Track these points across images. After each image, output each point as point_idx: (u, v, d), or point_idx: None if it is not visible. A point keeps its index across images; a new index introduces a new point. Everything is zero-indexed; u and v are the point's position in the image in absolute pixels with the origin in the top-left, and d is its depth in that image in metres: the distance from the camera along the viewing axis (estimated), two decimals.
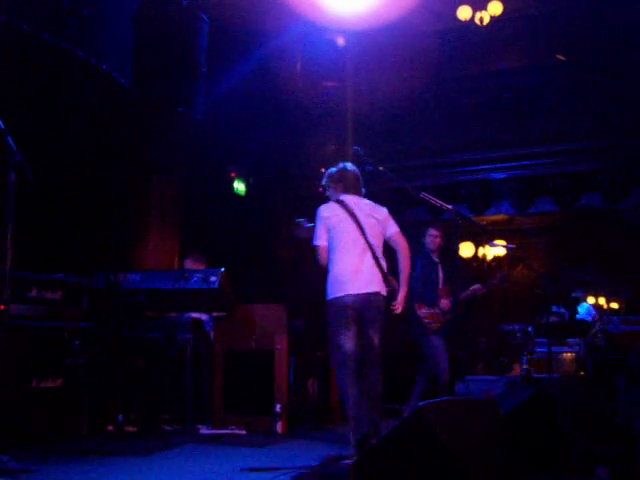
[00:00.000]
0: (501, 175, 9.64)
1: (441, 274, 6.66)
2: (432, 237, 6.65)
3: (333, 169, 5.31)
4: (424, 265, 6.66)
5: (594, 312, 9.41)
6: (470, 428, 3.11)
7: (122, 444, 5.24)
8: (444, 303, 6.50)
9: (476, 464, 3.00)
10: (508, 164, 9.42)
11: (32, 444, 4.85)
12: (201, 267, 6.63)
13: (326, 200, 5.17)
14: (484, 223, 10.23)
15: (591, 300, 9.82)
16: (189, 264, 6.86)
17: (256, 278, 8.16)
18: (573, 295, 9.51)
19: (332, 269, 5.04)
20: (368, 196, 5.19)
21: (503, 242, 8.13)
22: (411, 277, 6.85)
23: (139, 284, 6.14)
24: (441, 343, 6.41)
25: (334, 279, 5.03)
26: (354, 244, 5.03)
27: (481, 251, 10.80)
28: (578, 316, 9.31)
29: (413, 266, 6.91)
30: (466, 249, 10.63)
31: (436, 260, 6.70)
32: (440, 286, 6.63)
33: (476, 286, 6.75)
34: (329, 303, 5.02)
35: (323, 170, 9.02)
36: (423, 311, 6.49)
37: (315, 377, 7.16)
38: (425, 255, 6.69)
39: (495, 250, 10.69)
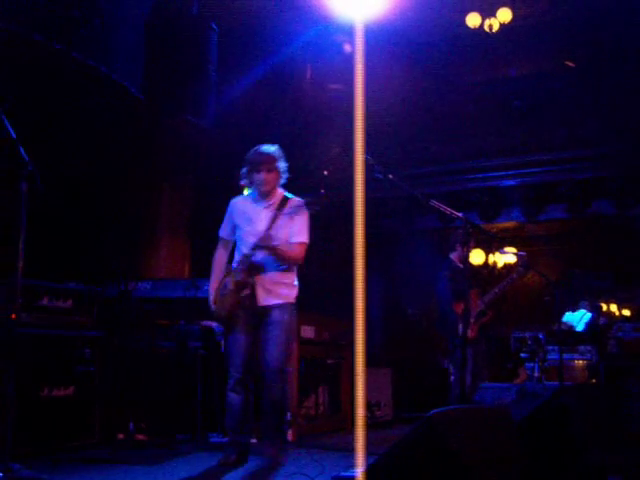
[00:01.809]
0: (511, 182, 9.61)
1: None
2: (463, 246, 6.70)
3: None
4: (450, 272, 6.68)
5: (591, 318, 9.27)
6: (482, 437, 3.08)
7: (132, 453, 5.24)
8: (478, 306, 6.49)
9: (488, 474, 2.98)
10: (518, 171, 9.39)
11: (44, 452, 4.88)
12: None
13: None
14: (494, 231, 10.24)
15: (604, 307, 9.74)
16: None
17: None
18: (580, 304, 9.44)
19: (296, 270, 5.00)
20: (378, 204, 5.19)
21: (514, 249, 8.08)
22: (437, 285, 6.89)
23: (150, 292, 6.17)
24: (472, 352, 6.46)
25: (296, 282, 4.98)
26: None
27: (491, 258, 10.78)
28: (573, 323, 9.19)
29: (438, 274, 6.97)
30: (477, 256, 10.60)
31: (460, 266, 6.71)
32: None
33: (499, 285, 6.69)
34: (294, 304, 4.93)
35: (326, 173, 9.06)
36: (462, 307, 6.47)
37: (325, 385, 7.15)
38: (450, 262, 6.72)
39: (506, 258, 10.65)
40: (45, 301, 5.20)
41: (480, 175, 9.58)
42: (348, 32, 8.25)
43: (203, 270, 7.17)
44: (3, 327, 4.47)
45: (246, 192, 5.18)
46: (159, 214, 7.75)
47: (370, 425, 7.56)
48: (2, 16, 5.07)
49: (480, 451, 2.98)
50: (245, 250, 4.77)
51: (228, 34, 7.62)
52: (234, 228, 4.95)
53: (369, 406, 7.75)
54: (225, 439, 6.10)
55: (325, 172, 8.86)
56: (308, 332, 6.84)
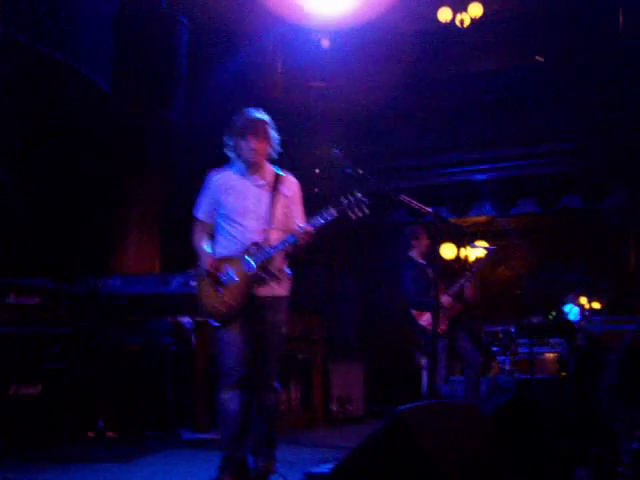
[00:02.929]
0: (482, 176, 9.65)
1: (431, 274, 6.67)
2: (419, 241, 6.70)
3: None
4: (413, 271, 6.69)
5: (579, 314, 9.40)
6: (450, 432, 3.09)
7: (102, 450, 5.20)
8: (445, 300, 6.50)
9: (458, 469, 2.99)
10: (489, 165, 9.44)
11: (12, 451, 4.82)
12: None
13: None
14: (466, 225, 10.28)
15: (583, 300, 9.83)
16: None
17: None
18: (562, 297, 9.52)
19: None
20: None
21: (485, 243, 8.11)
22: (402, 285, 6.91)
23: (119, 289, 6.11)
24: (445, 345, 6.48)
25: None
26: None
27: (463, 252, 10.82)
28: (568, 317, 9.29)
29: (402, 274, 6.97)
30: (448, 250, 10.64)
31: (422, 262, 6.72)
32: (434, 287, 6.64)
33: (465, 275, 6.71)
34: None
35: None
36: (425, 318, 6.51)
37: (296, 380, 7.15)
38: (411, 260, 6.72)
39: (476, 252, 10.71)
40: (12, 298, 5.14)
41: (451, 170, 9.61)
42: (320, 28, 8.25)
43: (173, 265, 7.14)
44: None
45: None
46: (128, 209, 7.68)
47: (342, 420, 7.57)
48: None
49: (449, 447, 2.99)
50: (238, 234, 4.09)
51: (199, 28, 7.57)
52: (216, 208, 4.20)
53: (340, 401, 7.76)
54: (196, 435, 6.09)
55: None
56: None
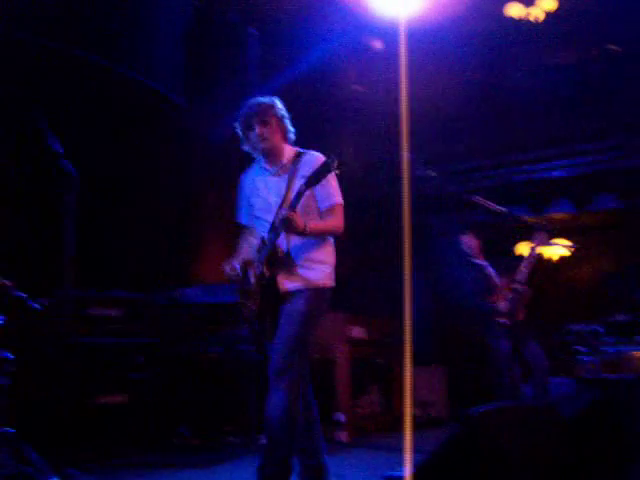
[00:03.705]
0: (561, 173, 9.43)
1: (492, 271, 6.60)
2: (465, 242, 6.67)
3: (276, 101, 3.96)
4: (472, 271, 6.65)
5: None
6: (529, 434, 3.04)
7: (186, 456, 5.32)
8: (518, 288, 6.40)
9: (537, 471, 2.94)
10: (566, 161, 9.21)
11: (99, 458, 4.97)
12: None
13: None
14: (544, 222, 10.05)
15: None
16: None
17: None
18: None
19: (331, 244, 3.92)
20: (422, 201, 5.02)
21: (565, 241, 7.92)
22: (464, 287, 6.84)
23: (199, 298, 6.23)
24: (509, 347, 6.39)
25: (333, 259, 3.91)
26: None
27: (546, 251, 10.58)
28: None
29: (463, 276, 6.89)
30: (524, 249, 10.42)
31: (479, 262, 6.66)
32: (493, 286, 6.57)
33: (524, 262, 6.56)
34: (325, 290, 3.82)
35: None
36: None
37: (377, 384, 7.14)
38: (467, 261, 6.69)
39: (559, 250, 10.46)
40: (96, 310, 5.30)
41: (528, 167, 9.43)
42: (382, 31, 8.21)
43: None
44: (57, 338, 4.58)
45: None
46: (206, 219, 7.83)
47: (424, 423, 7.52)
48: (43, 33, 5.20)
49: (527, 449, 2.94)
50: (265, 231, 3.81)
51: (267, 36, 7.68)
52: (250, 210, 3.99)
53: (422, 404, 7.71)
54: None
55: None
56: (358, 332, 6.83)
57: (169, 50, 6.88)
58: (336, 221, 3.79)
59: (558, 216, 10.31)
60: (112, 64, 5.80)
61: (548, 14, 8.68)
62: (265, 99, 3.90)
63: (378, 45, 8.30)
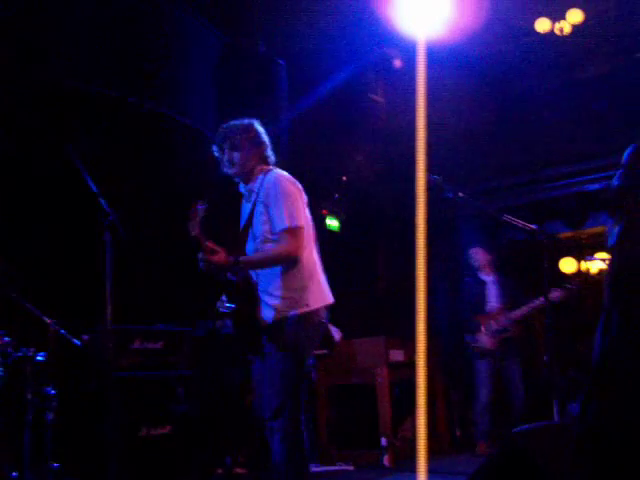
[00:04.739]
0: (596, 186, 9.32)
1: (495, 290, 6.60)
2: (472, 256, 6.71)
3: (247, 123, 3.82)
4: (470, 285, 6.69)
5: None
6: (567, 453, 3.01)
7: None
8: (501, 322, 6.44)
9: None
10: (602, 174, 9.10)
11: None
12: None
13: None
14: (583, 237, 9.93)
15: None
16: None
17: (353, 312, 8.19)
18: None
19: (306, 265, 3.60)
20: (453, 224, 5.05)
21: (605, 255, 7.81)
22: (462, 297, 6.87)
23: None
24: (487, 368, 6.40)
25: (315, 280, 3.62)
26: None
27: (584, 266, 10.43)
28: None
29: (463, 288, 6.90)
30: (568, 265, 10.28)
31: (484, 278, 6.68)
32: (490, 306, 6.61)
33: (530, 304, 6.56)
34: (302, 316, 3.53)
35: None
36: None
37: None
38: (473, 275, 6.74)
39: (600, 264, 10.31)
40: (137, 344, 5.39)
41: (563, 182, 9.35)
42: (413, 42, 8.24)
43: None
44: (101, 372, 4.66)
45: None
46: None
47: (468, 444, 7.44)
48: (73, 75, 5.34)
49: (565, 468, 2.92)
50: None
51: (294, 65, 7.77)
52: None
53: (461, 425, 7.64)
54: (322, 468, 6.15)
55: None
56: (397, 355, 6.81)
57: (200, 85, 7.01)
58: (283, 248, 3.54)
59: (596, 230, 10.18)
60: (142, 101, 5.93)
61: (575, 27, 8.64)
62: (239, 123, 3.78)
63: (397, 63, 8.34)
